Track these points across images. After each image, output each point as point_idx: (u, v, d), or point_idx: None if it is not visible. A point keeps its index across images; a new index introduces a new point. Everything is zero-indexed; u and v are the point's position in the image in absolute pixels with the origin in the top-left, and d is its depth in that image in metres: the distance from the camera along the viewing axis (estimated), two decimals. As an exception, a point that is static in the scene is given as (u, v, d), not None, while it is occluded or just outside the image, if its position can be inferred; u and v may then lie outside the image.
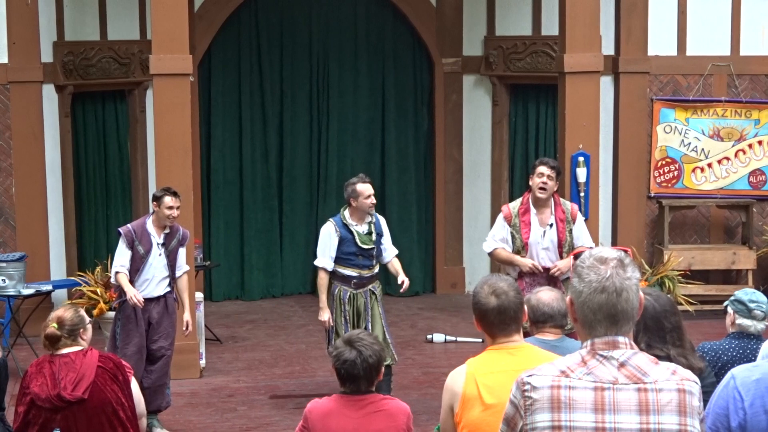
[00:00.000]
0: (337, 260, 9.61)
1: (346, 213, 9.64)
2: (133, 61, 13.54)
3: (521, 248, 9.37)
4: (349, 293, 9.60)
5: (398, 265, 9.89)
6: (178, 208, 9.44)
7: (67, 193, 13.18)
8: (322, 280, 9.64)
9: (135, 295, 9.17)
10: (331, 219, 9.76)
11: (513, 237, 9.40)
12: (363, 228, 9.63)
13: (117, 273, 9.34)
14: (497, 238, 9.50)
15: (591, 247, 8.93)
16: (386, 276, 9.86)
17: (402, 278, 9.70)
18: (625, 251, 3.67)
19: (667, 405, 3.42)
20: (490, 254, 9.69)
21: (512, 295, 4.67)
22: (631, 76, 13.53)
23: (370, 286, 9.69)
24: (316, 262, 9.70)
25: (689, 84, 13.70)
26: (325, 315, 9.56)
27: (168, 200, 9.34)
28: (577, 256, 8.87)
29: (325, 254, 9.62)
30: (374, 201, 9.65)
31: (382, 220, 9.90)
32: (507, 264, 9.53)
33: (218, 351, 12.08)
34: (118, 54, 13.42)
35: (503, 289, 4.66)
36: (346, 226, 9.59)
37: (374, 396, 5.40)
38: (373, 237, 9.65)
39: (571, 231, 9.43)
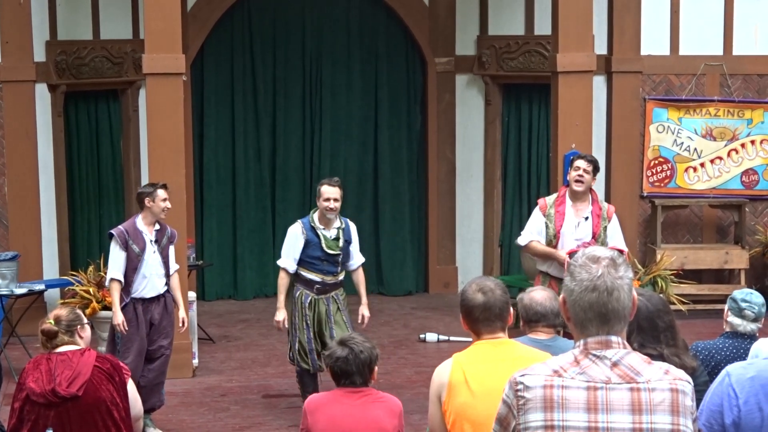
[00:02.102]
0: (301, 263, 9.35)
1: (315, 216, 9.38)
2: (126, 60, 13.52)
3: (553, 237, 9.40)
4: (310, 298, 9.35)
5: (362, 285, 9.59)
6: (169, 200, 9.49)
7: (60, 192, 13.17)
8: (282, 280, 9.41)
9: (122, 323, 9.19)
10: (299, 220, 9.52)
11: (546, 227, 9.43)
12: (331, 233, 9.34)
13: (112, 280, 9.30)
14: (532, 230, 9.51)
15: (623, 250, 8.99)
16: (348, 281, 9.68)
17: (363, 312, 9.51)
18: (621, 252, 3.68)
19: (660, 404, 3.42)
20: (525, 247, 9.64)
21: (498, 294, 4.76)
22: (624, 76, 13.55)
23: (332, 293, 9.42)
24: (279, 262, 9.50)
25: (682, 83, 13.72)
26: (280, 315, 9.34)
27: (161, 193, 9.34)
28: (572, 255, 8.87)
29: (289, 255, 9.38)
30: (333, 206, 9.24)
31: (353, 228, 9.59)
32: (542, 257, 9.49)
33: (211, 350, 12.07)
34: (110, 53, 13.40)
35: (490, 287, 4.76)
36: (313, 229, 9.31)
37: (371, 390, 5.65)
38: (341, 243, 9.37)
39: (606, 228, 9.46)
